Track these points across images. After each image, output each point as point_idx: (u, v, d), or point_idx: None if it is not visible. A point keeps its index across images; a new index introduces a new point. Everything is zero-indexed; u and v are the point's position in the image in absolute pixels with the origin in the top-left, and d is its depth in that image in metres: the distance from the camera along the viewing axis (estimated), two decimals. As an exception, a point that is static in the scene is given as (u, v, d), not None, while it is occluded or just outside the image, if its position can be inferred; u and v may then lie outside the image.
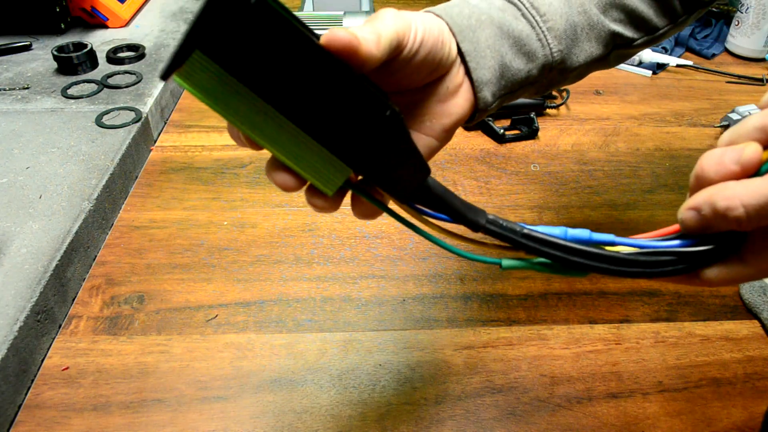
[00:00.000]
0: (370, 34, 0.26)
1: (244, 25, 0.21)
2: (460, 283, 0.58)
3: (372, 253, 0.61)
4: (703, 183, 0.27)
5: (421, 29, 0.31)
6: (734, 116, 0.78)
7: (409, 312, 0.55)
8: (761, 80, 0.92)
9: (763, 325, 0.54)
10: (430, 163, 0.31)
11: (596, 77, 0.90)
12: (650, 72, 0.94)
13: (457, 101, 0.35)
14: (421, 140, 0.34)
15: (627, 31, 0.41)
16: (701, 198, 0.26)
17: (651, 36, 0.42)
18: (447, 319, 0.55)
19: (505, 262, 0.31)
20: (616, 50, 0.41)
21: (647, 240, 0.30)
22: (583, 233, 0.30)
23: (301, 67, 0.23)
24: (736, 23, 0.98)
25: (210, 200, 0.68)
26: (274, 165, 0.27)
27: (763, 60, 0.98)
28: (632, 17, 0.41)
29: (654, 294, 0.57)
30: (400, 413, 0.47)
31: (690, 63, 0.96)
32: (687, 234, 0.29)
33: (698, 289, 0.58)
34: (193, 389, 0.48)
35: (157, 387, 0.48)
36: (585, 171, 0.73)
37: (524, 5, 0.38)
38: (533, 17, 0.37)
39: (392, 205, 0.30)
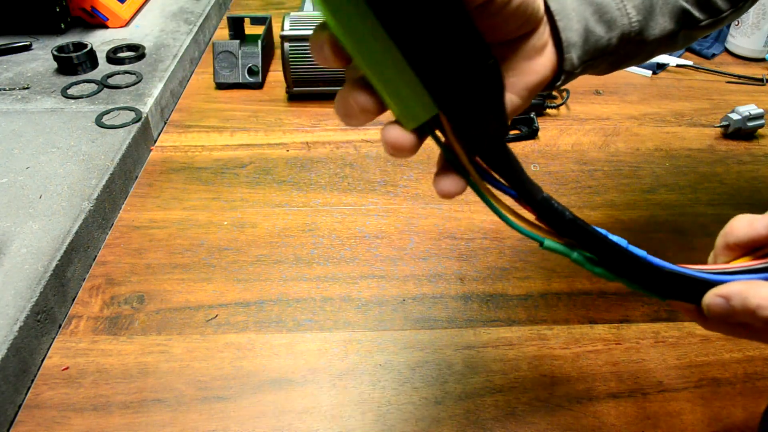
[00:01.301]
0: None
1: None
2: (460, 283, 0.58)
3: (372, 253, 0.61)
4: (730, 241, 0.29)
5: None
6: (734, 116, 0.78)
7: (409, 312, 0.55)
8: (761, 80, 0.92)
9: (763, 325, 0.54)
10: None
11: (596, 77, 0.90)
12: (650, 72, 0.94)
13: (543, 61, 0.35)
14: (505, 96, 0.34)
15: (695, 11, 0.41)
16: (734, 289, 0.28)
17: (715, 18, 0.43)
18: (447, 319, 0.55)
19: (548, 242, 0.31)
20: (684, 29, 0.42)
21: (707, 272, 0.31)
22: (637, 250, 0.30)
23: None
24: (736, 23, 0.98)
25: (210, 200, 0.68)
26: (357, 85, 0.27)
27: (763, 60, 0.98)
28: None
29: (654, 294, 0.57)
30: (400, 413, 0.47)
31: (690, 63, 0.96)
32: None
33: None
34: (193, 389, 0.48)
35: (157, 387, 0.48)
36: (585, 171, 0.73)
37: None
38: None
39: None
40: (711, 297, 0.29)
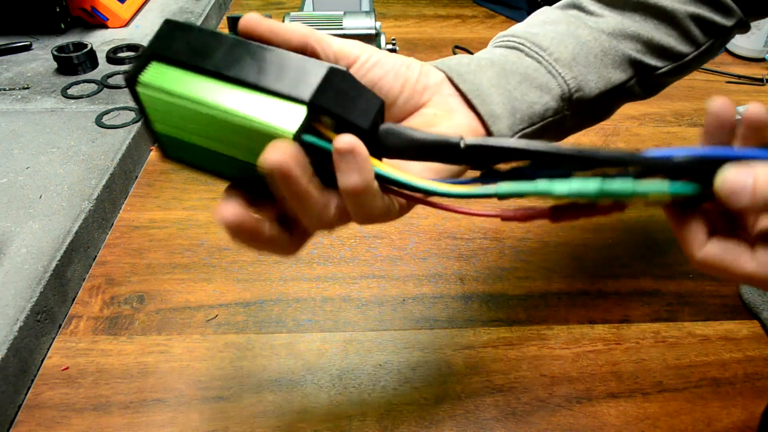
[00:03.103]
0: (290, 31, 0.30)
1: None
2: (460, 283, 0.58)
3: (372, 253, 0.61)
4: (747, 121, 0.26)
5: (379, 55, 0.33)
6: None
7: (409, 312, 0.55)
8: (761, 80, 0.92)
9: (763, 325, 0.54)
10: None
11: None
12: (650, 72, 0.94)
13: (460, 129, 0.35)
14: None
15: (648, 60, 0.40)
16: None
17: (678, 62, 0.41)
18: (447, 319, 0.55)
19: (501, 187, 0.28)
20: (639, 77, 0.41)
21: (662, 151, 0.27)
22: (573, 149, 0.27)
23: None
24: (736, 23, 0.98)
25: (210, 200, 0.68)
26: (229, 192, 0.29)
27: (763, 60, 0.98)
28: (650, 47, 0.40)
29: (654, 294, 0.57)
30: (400, 413, 0.47)
31: (690, 63, 0.96)
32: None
33: (698, 289, 0.58)
34: (193, 389, 0.48)
35: (157, 387, 0.48)
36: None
37: (525, 46, 0.38)
38: (537, 53, 0.38)
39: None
40: (733, 174, 0.24)
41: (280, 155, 0.25)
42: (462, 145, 0.28)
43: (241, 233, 0.28)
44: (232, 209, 0.27)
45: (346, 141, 0.26)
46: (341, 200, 0.29)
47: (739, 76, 0.93)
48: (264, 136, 0.26)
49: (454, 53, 1.00)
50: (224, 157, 0.28)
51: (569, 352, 0.52)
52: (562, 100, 0.38)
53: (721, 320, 0.55)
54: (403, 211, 0.32)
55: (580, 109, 0.39)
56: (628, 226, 0.65)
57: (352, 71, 0.32)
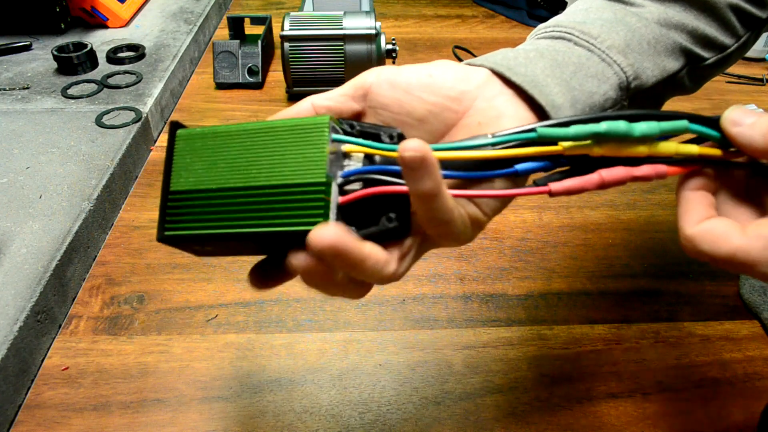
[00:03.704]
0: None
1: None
2: (460, 283, 0.58)
3: (372, 253, 0.61)
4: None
5: (389, 73, 0.32)
6: (734, 116, 0.78)
7: (409, 312, 0.55)
8: (761, 80, 0.92)
9: (763, 325, 0.54)
10: None
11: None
12: (650, 72, 0.94)
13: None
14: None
15: (698, 50, 0.39)
16: None
17: (722, 54, 0.41)
18: (447, 319, 0.55)
19: (540, 130, 0.28)
20: (690, 68, 0.40)
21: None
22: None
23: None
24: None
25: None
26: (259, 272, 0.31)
27: (763, 60, 0.98)
28: (696, 37, 0.39)
29: (654, 294, 0.57)
30: (400, 413, 0.47)
31: (690, 63, 0.96)
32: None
33: (698, 289, 0.58)
34: (193, 389, 0.48)
35: (157, 387, 0.48)
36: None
37: (574, 35, 0.36)
38: (588, 42, 0.35)
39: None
40: (736, 111, 0.28)
41: (324, 238, 0.25)
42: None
43: (314, 276, 0.27)
44: (300, 259, 0.27)
45: (413, 147, 0.24)
46: (401, 252, 0.29)
47: (739, 76, 0.93)
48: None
49: (455, 53, 1.00)
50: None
51: (569, 352, 0.52)
52: (620, 90, 0.36)
53: (721, 320, 0.55)
54: (476, 226, 0.32)
55: (636, 100, 0.37)
56: (628, 226, 0.65)
57: (369, 99, 0.32)
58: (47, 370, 0.50)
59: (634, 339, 0.53)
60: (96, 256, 0.61)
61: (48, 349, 0.51)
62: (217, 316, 0.54)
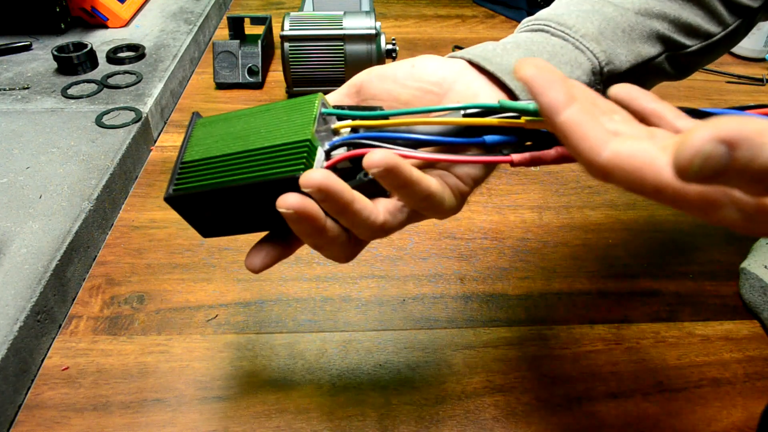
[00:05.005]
0: None
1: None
2: (460, 283, 0.58)
3: (372, 253, 0.61)
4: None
5: (378, 71, 0.36)
6: (734, 116, 0.78)
7: (409, 312, 0.55)
8: (761, 80, 0.92)
9: (763, 325, 0.54)
10: None
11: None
12: (650, 72, 0.94)
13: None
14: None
15: (677, 37, 0.40)
16: (746, 129, 0.17)
17: (707, 41, 0.41)
18: (447, 319, 0.55)
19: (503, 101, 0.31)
20: (669, 54, 0.40)
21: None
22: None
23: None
24: (736, 23, 0.98)
25: (210, 200, 0.68)
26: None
27: (763, 60, 0.98)
28: (677, 25, 0.40)
29: (654, 294, 0.57)
30: (400, 413, 0.47)
31: (690, 63, 0.96)
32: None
33: (698, 289, 0.58)
34: (193, 389, 0.48)
35: (157, 387, 0.48)
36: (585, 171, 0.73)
37: (551, 27, 0.38)
38: (563, 32, 0.37)
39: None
40: (702, 136, 0.17)
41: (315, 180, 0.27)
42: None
43: (304, 220, 0.28)
44: (296, 197, 0.28)
45: (375, 162, 0.26)
46: (390, 205, 0.31)
47: (739, 76, 0.93)
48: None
49: (454, 53, 1.00)
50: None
51: (569, 352, 0.52)
52: (594, 74, 0.37)
53: (721, 320, 0.55)
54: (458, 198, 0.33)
55: (612, 84, 0.39)
56: (628, 226, 0.65)
57: (361, 93, 0.37)
58: (47, 370, 0.50)
59: (634, 339, 0.53)
60: (96, 256, 0.61)
61: (48, 349, 0.51)
62: (217, 316, 0.54)
